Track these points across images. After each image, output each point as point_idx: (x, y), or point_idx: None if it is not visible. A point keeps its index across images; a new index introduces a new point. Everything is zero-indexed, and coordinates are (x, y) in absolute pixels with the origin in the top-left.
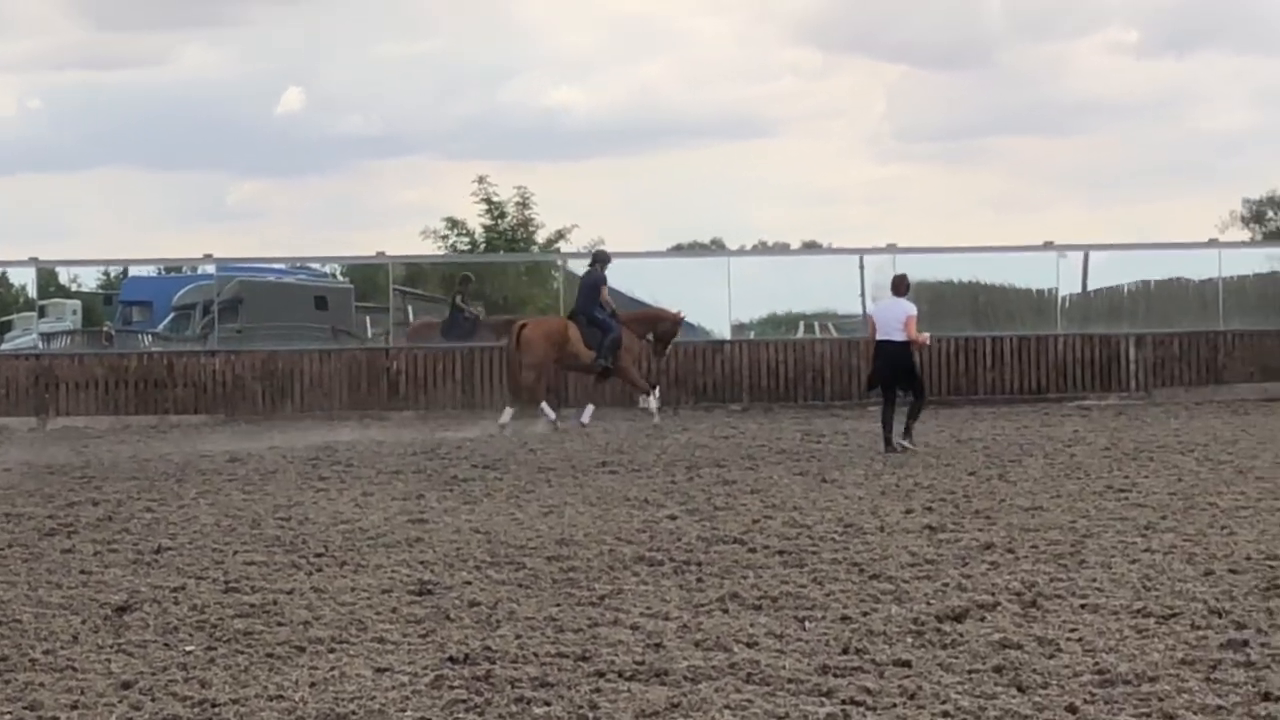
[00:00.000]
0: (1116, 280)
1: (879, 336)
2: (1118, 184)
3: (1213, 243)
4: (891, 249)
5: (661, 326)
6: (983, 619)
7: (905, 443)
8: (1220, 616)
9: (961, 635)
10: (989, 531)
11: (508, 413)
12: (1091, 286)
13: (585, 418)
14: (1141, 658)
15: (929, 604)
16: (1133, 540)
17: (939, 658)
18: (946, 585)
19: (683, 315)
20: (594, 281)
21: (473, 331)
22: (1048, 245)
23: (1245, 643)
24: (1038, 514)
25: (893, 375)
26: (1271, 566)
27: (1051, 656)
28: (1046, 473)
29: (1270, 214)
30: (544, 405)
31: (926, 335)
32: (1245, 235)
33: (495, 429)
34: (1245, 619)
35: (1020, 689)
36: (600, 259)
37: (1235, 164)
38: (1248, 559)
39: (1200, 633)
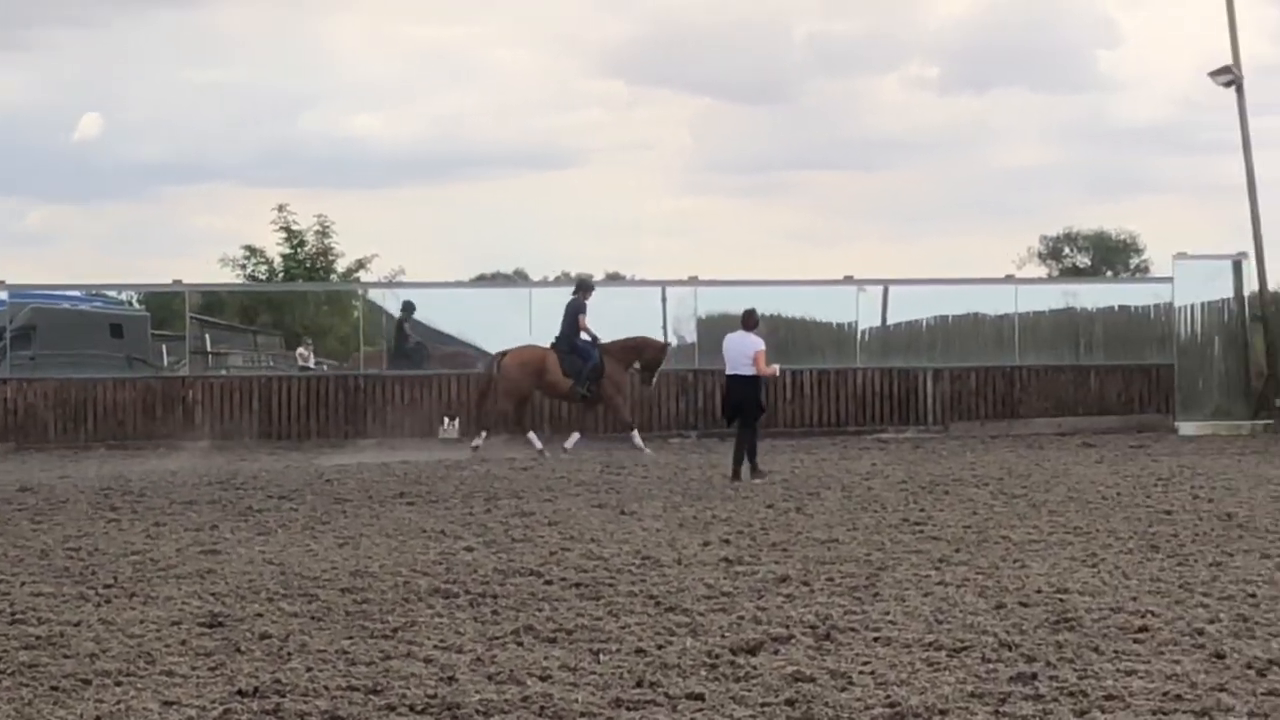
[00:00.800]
0: (915, 315)
1: (728, 370)
2: (918, 219)
3: (1009, 279)
4: (693, 281)
5: (647, 355)
6: (776, 652)
7: (756, 481)
8: (1010, 650)
9: (755, 668)
10: (785, 564)
11: (481, 435)
12: (891, 320)
13: (569, 444)
14: (932, 690)
15: (724, 636)
16: (926, 573)
17: (732, 691)
18: (742, 618)
19: (668, 343)
20: (574, 309)
21: (422, 358)
22: (848, 279)
23: (1034, 676)
24: (834, 547)
25: (741, 408)
26: (1062, 600)
27: (844, 689)
28: (843, 506)
29: (1067, 251)
30: (531, 435)
31: (776, 367)
32: (1042, 272)
33: (469, 452)
34: (1035, 652)
35: None
36: (583, 286)
37: (1033, 201)
38: (1038, 592)
39: (990, 666)
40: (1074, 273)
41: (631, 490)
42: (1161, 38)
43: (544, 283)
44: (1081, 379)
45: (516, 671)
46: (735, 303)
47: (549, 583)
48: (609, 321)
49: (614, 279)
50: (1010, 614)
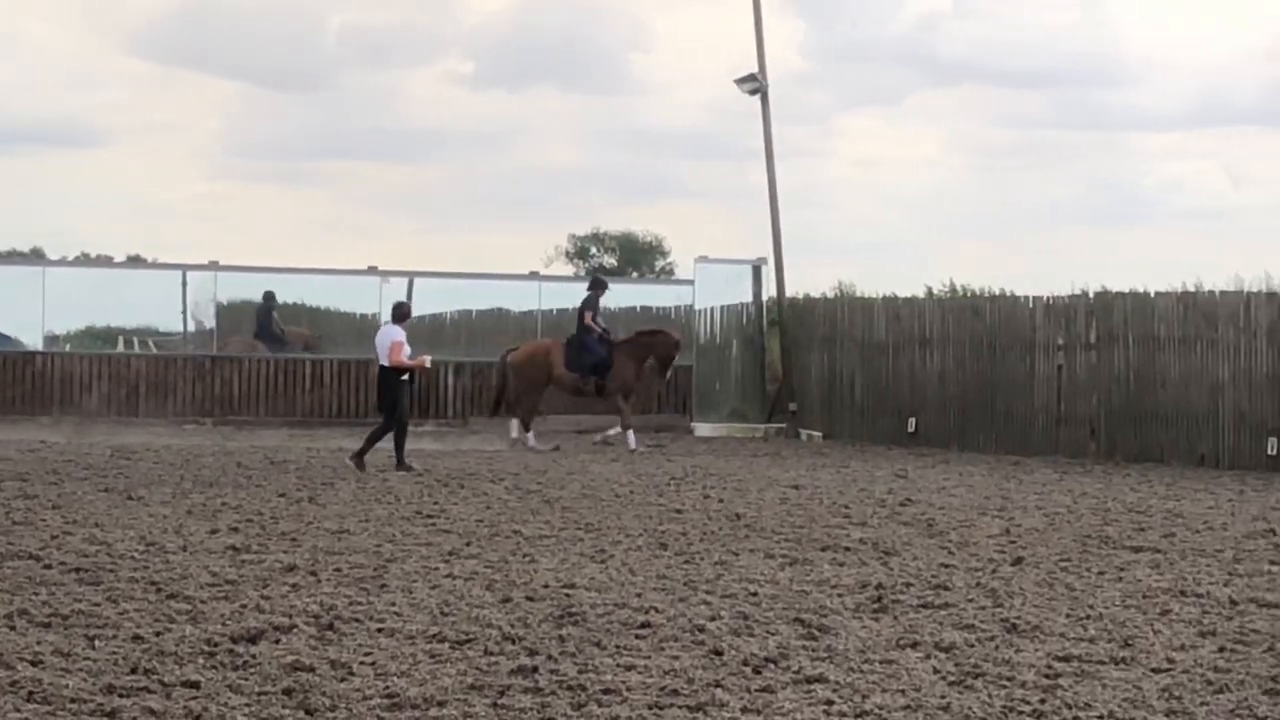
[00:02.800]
0: (440, 308)
1: (379, 362)
2: (448, 213)
3: (534, 275)
4: (214, 266)
5: (659, 350)
6: (278, 641)
7: (350, 462)
8: (513, 643)
9: (255, 657)
10: (293, 554)
11: (521, 431)
12: (415, 313)
13: (632, 443)
14: (432, 682)
15: (225, 625)
16: (435, 566)
17: (229, 679)
18: (244, 607)
19: (680, 337)
20: (582, 306)
21: (284, 343)
22: (372, 270)
23: (535, 669)
24: (344, 537)
25: (381, 398)
26: (568, 595)
27: (343, 680)
28: (357, 497)
29: (594, 250)
30: (513, 422)
31: (426, 358)
32: (570, 270)
33: (520, 446)
34: (537, 646)
35: (309, 712)
36: (595, 284)
37: (563, 200)
38: (545, 587)
39: (492, 659)
40: (600, 272)
41: (141, 476)
42: (695, 44)
43: (62, 262)
44: None
45: (6, 655)
46: (258, 289)
47: (48, 567)
48: (127, 305)
49: (135, 261)
50: (516, 608)
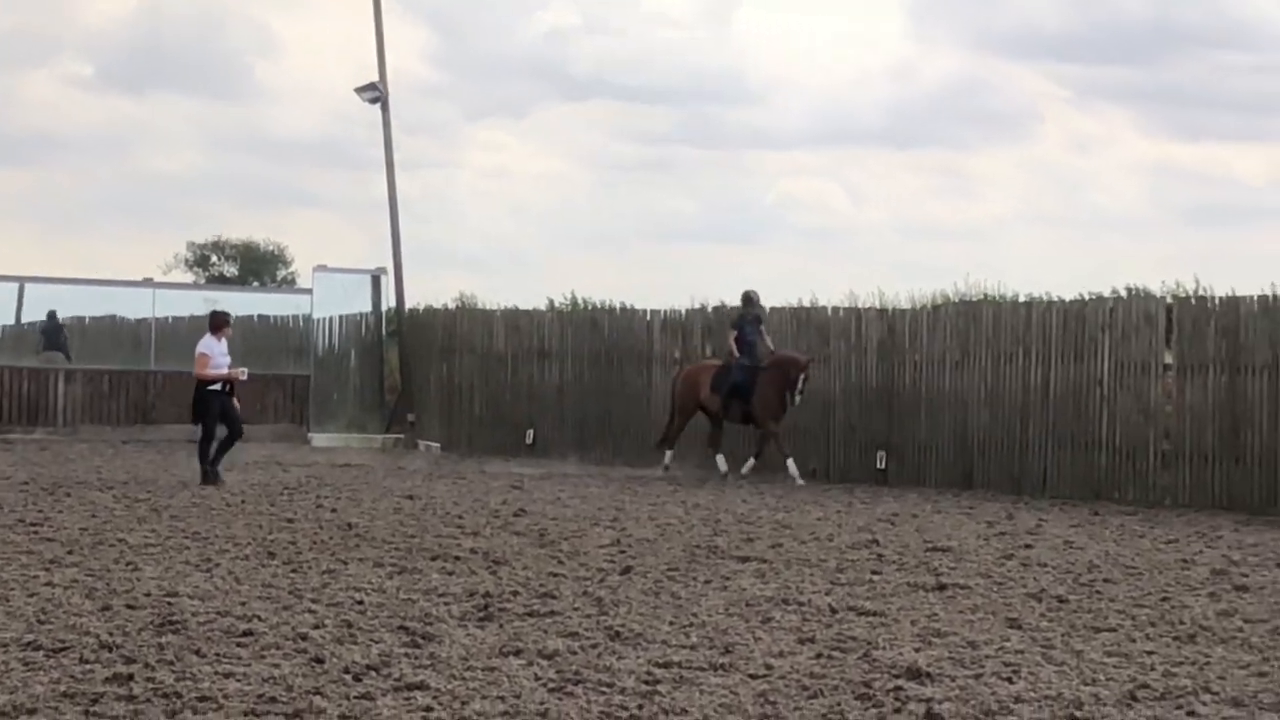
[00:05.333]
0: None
1: None
2: (64, 218)
3: (148, 282)
4: None
5: (791, 374)
6: None
7: (215, 479)
8: (110, 651)
9: None
10: None
11: (668, 455)
12: (26, 319)
13: (793, 470)
14: (24, 690)
15: None
16: (35, 574)
17: None
18: None
19: (808, 360)
20: (730, 326)
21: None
22: None
23: (130, 677)
24: None
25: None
26: (170, 603)
27: None
28: None
29: (214, 259)
30: (667, 455)
31: (241, 371)
32: (189, 278)
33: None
34: (135, 654)
35: None
36: (745, 300)
37: (184, 207)
38: (148, 595)
39: (88, 667)
40: (220, 281)
41: None
42: (319, 51)
43: None
44: None
45: None
46: None
47: None
48: None
49: None
50: (116, 616)
